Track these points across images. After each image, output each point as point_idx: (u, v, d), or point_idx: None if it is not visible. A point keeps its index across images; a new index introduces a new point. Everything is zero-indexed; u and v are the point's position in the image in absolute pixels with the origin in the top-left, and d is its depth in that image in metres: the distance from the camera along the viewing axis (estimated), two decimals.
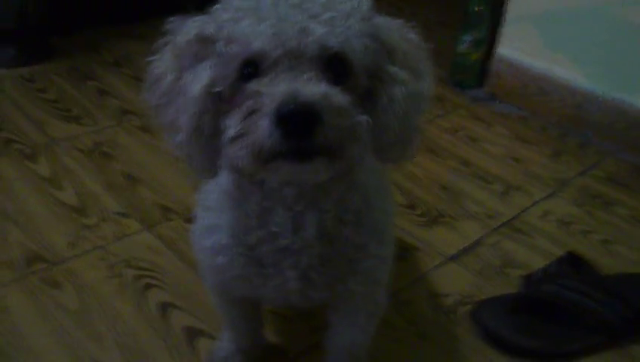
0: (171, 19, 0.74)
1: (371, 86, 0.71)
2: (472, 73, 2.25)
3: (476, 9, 2.15)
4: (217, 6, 0.71)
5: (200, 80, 0.69)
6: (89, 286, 1.25)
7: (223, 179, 0.81)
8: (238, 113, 0.65)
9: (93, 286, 1.25)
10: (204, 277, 0.96)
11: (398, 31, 0.73)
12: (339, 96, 0.64)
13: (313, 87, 0.62)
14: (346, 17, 0.66)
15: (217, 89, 0.69)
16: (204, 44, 0.69)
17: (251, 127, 0.63)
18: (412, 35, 0.75)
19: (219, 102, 0.70)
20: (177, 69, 0.71)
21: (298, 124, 0.60)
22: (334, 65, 0.66)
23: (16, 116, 1.83)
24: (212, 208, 0.85)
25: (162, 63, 0.73)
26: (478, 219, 1.56)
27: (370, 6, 0.71)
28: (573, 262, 1.30)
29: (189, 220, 1.42)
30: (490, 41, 2.20)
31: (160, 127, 0.74)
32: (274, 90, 0.62)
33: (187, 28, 0.71)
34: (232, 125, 0.65)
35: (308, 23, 0.64)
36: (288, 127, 0.60)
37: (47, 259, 1.31)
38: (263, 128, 0.61)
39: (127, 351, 1.12)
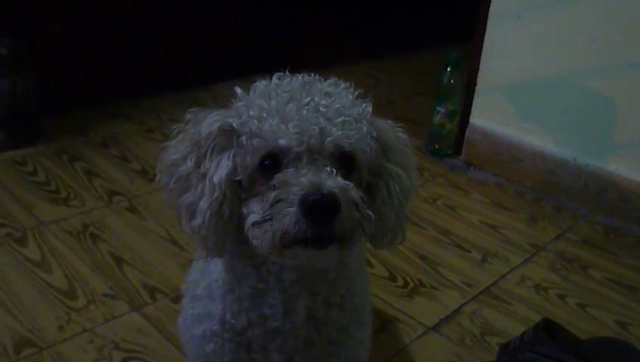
0: (191, 110, 0.83)
1: (371, 180, 0.80)
2: (448, 142, 2.34)
3: (448, 82, 2.25)
4: (239, 103, 0.79)
5: (222, 169, 0.77)
6: None
7: (213, 266, 0.87)
8: (262, 200, 0.73)
9: None
10: None
11: (392, 131, 0.84)
12: (353, 191, 0.72)
13: (333, 180, 0.71)
14: (356, 121, 0.76)
15: (237, 178, 0.77)
16: (226, 135, 0.77)
17: (277, 213, 0.70)
18: (401, 134, 0.85)
19: (237, 189, 0.77)
20: (195, 157, 0.78)
21: (322, 214, 0.68)
22: (345, 161, 0.75)
23: (5, 200, 1.88)
24: (201, 296, 0.89)
25: (179, 150, 0.80)
26: (457, 288, 1.60)
27: (371, 107, 0.81)
28: (549, 329, 1.33)
29: (176, 300, 1.47)
30: (463, 112, 2.30)
31: (174, 209, 0.80)
32: (300, 181, 0.70)
33: (210, 120, 0.79)
34: (255, 211, 0.74)
35: (326, 125, 0.73)
36: (314, 215, 0.68)
37: (37, 343, 1.33)
38: (290, 216, 0.69)
39: None
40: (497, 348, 1.37)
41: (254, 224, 0.73)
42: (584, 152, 2.03)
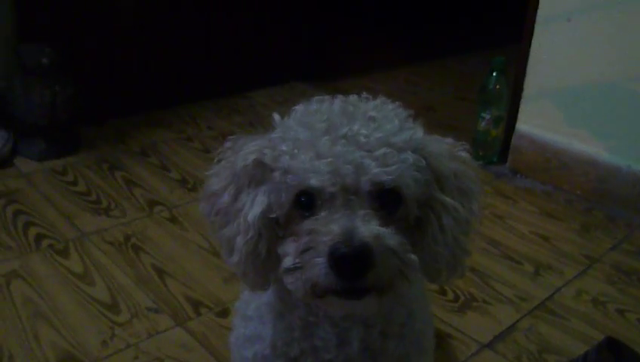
0: (230, 137, 0.78)
1: (421, 214, 0.72)
2: (494, 149, 2.27)
3: (494, 87, 2.19)
4: (276, 133, 0.73)
5: (257, 206, 0.72)
6: None
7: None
8: (294, 245, 0.68)
9: None
10: None
11: (449, 153, 0.75)
12: (391, 238, 0.65)
13: (366, 229, 0.64)
14: (400, 151, 0.68)
15: (273, 215, 0.72)
16: (261, 168, 0.72)
17: (307, 263, 0.65)
18: (462, 153, 0.77)
19: (275, 226, 0.72)
20: (234, 189, 0.73)
21: (352, 267, 0.62)
22: (386, 198, 0.68)
23: (47, 210, 1.87)
24: (251, 318, 0.86)
25: (219, 181, 0.76)
26: (510, 302, 1.54)
27: (422, 132, 0.74)
28: (612, 348, 1.27)
29: (220, 314, 1.44)
30: (509, 118, 2.23)
31: (216, 240, 0.77)
32: (329, 229, 0.64)
33: (245, 151, 0.74)
34: (290, 253, 0.68)
35: (363, 161, 0.66)
36: (343, 269, 0.62)
37: (80, 358, 1.31)
38: (319, 267, 0.63)
39: None
40: None
41: (286, 270, 0.68)
42: (638, 159, 1.95)
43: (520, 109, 2.19)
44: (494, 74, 2.18)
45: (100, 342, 1.36)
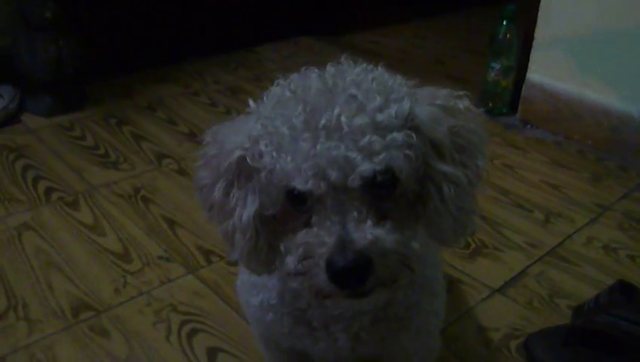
0: (208, 130, 0.75)
1: (421, 187, 0.69)
2: (503, 100, 2.24)
3: (504, 36, 2.15)
4: (254, 126, 0.68)
5: (249, 206, 0.69)
6: (137, 332, 1.25)
7: None
8: (294, 252, 0.65)
9: (140, 333, 1.25)
10: (251, 326, 0.96)
11: (441, 113, 0.70)
12: (388, 238, 0.63)
13: (360, 236, 0.61)
14: (387, 132, 0.64)
15: (267, 213, 0.69)
16: (247, 165, 0.68)
17: (308, 271, 0.63)
18: (460, 105, 0.72)
19: (273, 222, 0.70)
20: (224, 185, 0.70)
21: (351, 278, 0.61)
22: (381, 184, 0.64)
23: (56, 164, 1.87)
24: None
25: (206, 175, 0.73)
26: (521, 249, 1.53)
27: (409, 101, 0.68)
28: (624, 291, 1.27)
29: (232, 262, 1.44)
30: (519, 68, 2.20)
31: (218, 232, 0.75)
32: (322, 241, 0.62)
33: (227, 149, 0.70)
34: (290, 255, 0.66)
35: (348, 154, 0.62)
36: (342, 282, 0.61)
37: (95, 306, 1.32)
38: (319, 277, 0.62)
39: None
40: (568, 311, 1.31)
41: (290, 275, 0.66)
42: None
43: (530, 59, 2.15)
44: (504, 22, 2.13)
45: (113, 289, 1.37)
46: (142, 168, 1.86)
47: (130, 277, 1.41)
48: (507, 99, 2.24)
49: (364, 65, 0.70)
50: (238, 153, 0.68)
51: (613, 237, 1.60)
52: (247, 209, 0.69)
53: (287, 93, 0.68)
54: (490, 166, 1.93)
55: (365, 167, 0.62)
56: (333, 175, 0.62)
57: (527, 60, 2.16)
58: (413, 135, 0.66)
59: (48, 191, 1.73)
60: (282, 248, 0.68)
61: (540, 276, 1.44)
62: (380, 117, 0.64)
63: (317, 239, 0.62)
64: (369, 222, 0.62)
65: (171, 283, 1.39)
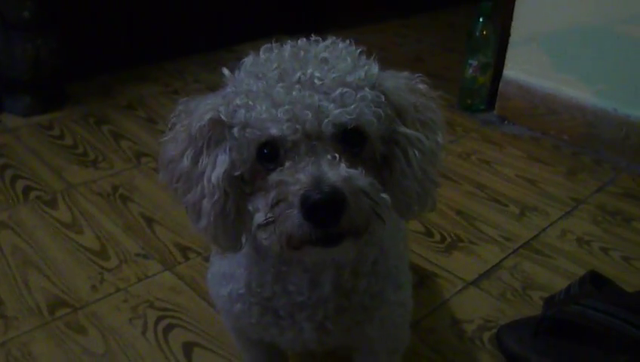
0: (181, 100, 0.76)
1: (387, 150, 0.71)
2: (481, 96, 2.26)
3: (481, 33, 2.17)
4: (229, 89, 0.71)
5: (219, 166, 0.70)
6: (113, 329, 1.26)
7: None
8: (264, 200, 0.66)
9: (117, 329, 1.26)
10: (222, 317, 0.98)
11: (406, 86, 0.74)
12: (361, 178, 0.64)
13: (334, 173, 0.63)
14: (357, 89, 0.67)
15: (237, 173, 0.70)
16: (219, 127, 0.70)
17: (279, 216, 0.63)
18: (420, 85, 0.75)
19: (241, 184, 0.70)
20: (192, 152, 0.71)
21: (326, 213, 0.61)
22: (351, 138, 0.67)
23: (34, 163, 1.87)
24: (227, 256, 0.84)
25: (175, 146, 0.73)
26: (496, 243, 1.55)
27: (377, 68, 0.71)
28: (595, 281, 1.29)
29: (208, 258, 1.45)
30: (496, 64, 2.22)
31: (182, 206, 0.75)
32: (297, 178, 0.63)
33: (199, 112, 0.71)
34: (260, 208, 0.67)
35: (321, 103, 0.65)
36: (316, 216, 0.61)
37: (71, 303, 1.32)
38: (292, 219, 0.62)
39: None
40: (541, 303, 1.33)
41: (259, 226, 0.66)
42: (625, 103, 1.94)
43: (507, 55, 2.18)
44: (481, 19, 2.16)
45: (90, 286, 1.37)
46: (121, 166, 1.86)
47: (107, 274, 1.41)
48: (484, 96, 2.27)
49: (334, 37, 0.74)
50: (210, 114, 0.70)
51: (587, 230, 1.62)
52: (216, 169, 0.70)
53: (261, 59, 0.71)
54: (468, 161, 1.95)
55: (337, 113, 0.64)
56: (308, 121, 0.64)
57: (504, 57, 2.19)
58: (382, 96, 0.69)
59: (26, 190, 1.73)
60: (250, 207, 0.69)
61: (513, 269, 1.46)
62: (350, 77, 0.67)
63: (291, 178, 0.63)
64: (342, 165, 0.64)
65: (148, 280, 1.40)
